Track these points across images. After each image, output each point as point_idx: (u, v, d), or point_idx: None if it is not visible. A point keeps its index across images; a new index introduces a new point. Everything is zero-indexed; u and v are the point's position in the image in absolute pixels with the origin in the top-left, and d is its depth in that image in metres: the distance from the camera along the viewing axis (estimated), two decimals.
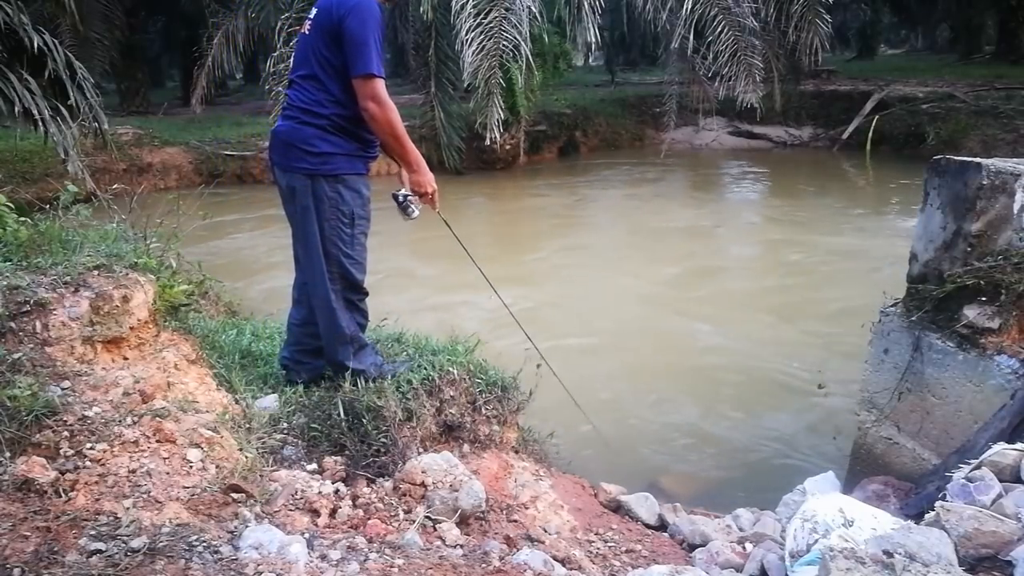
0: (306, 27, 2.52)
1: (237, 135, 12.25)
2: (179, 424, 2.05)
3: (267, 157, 2.66)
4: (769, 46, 11.27)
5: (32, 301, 2.15)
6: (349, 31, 2.34)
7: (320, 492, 2.15)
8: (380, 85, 2.38)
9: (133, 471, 1.84)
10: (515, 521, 2.37)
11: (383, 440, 2.43)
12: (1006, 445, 2.15)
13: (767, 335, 5.25)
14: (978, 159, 2.71)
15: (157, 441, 1.95)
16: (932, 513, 1.90)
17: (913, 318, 2.85)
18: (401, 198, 2.65)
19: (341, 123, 2.46)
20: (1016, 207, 2.60)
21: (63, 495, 1.71)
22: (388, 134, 2.46)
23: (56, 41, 5.10)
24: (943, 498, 2.00)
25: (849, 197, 10.41)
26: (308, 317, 2.75)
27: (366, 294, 2.71)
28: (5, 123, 6.35)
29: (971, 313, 2.62)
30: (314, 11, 2.50)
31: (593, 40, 10.10)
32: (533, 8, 9.59)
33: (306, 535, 1.83)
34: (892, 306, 3.01)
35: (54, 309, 2.17)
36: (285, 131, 2.51)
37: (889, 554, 1.53)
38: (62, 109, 5.26)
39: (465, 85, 10.40)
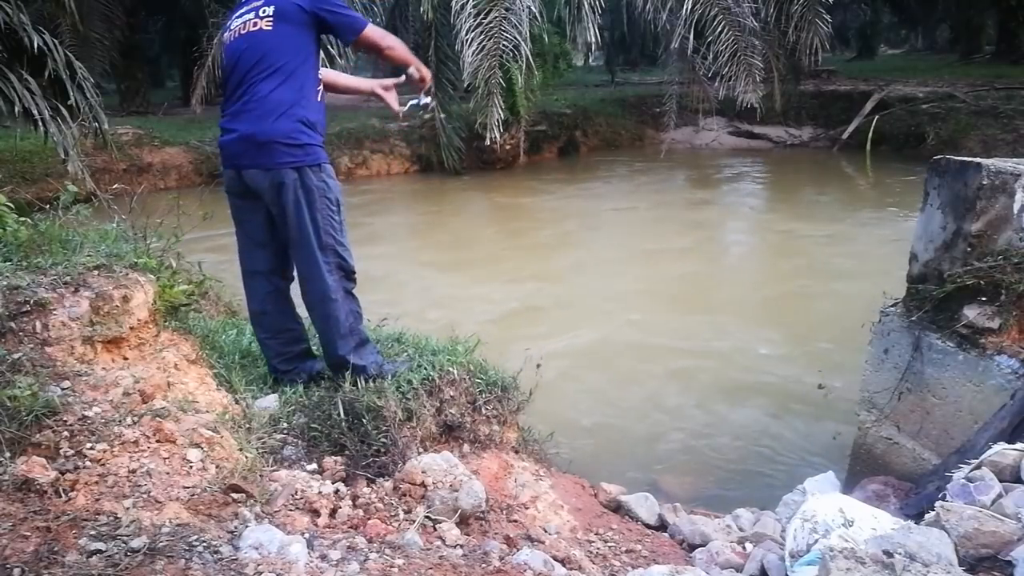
0: (259, 25, 2.50)
1: None
2: (179, 424, 2.05)
3: (231, 165, 2.62)
4: (769, 46, 11.26)
5: (32, 301, 2.14)
6: (324, 6, 2.50)
7: (320, 492, 2.14)
8: (375, 27, 2.65)
9: (133, 471, 1.84)
10: (515, 521, 2.37)
11: (383, 440, 2.43)
12: (1006, 445, 2.15)
13: (767, 334, 5.26)
14: (978, 159, 2.72)
15: (157, 441, 1.95)
16: (932, 513, 1.90)
17: (913, 318, 2.85)
18: (420, 101, 3.00)
19: (309, 115, 2.53)
20: (1016, 207, 2.60)
21: (63, 495, 1.71)
22: (405, 52, 2.73)
23: (56, 41, 5.11)
24: (943, 498, 2.00)
25: (849, 197, 10.41)
26: (279, 325, 2.76)
27: (356, 282, 2.73)
28: (5, 123, 6.35)
29: (971, 313, 2.62)
30: (268, 9, 2.50)
31: (593, 40, 10.11)
32: (533, 8, 9.59)
33: (306, 535, 1.83)
34: (892, 306, 3.01)
35: (54, 309, 2.17)
36: (262, 131, 2.48)
37: (889, 554, 1.53)
38: (62, 109, 5.26)
39: (465, 85, 10.40)
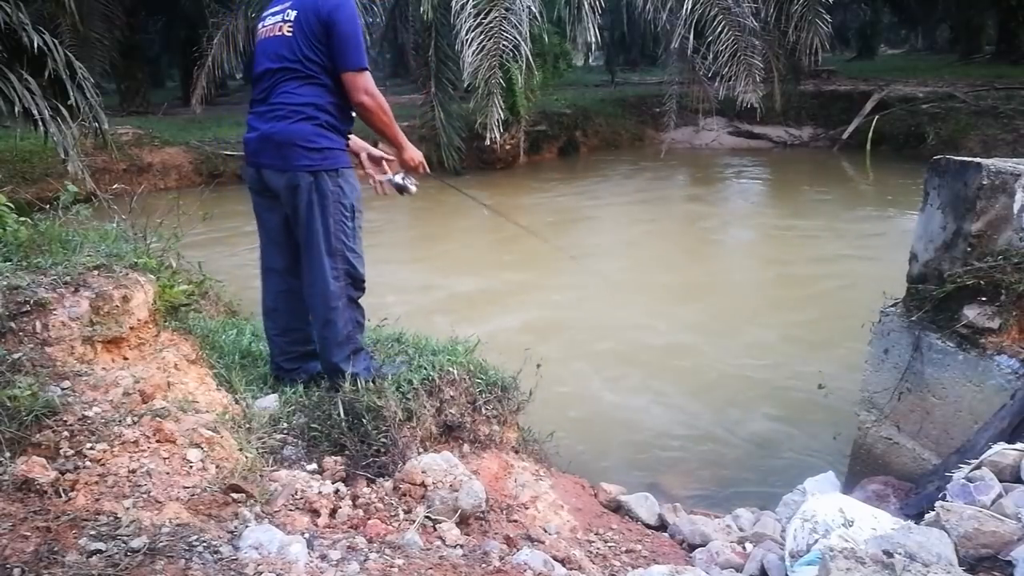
0: (282, 29, 2.51)
1: (237, 135, 12.17)
2: (179, 424, 2.05)
3: (252, 163, 2.63)
4: (769, 46, 11.27)
5: (32, 301, 2.14)
6: (339, 27, 2.42)
7: (320, 492, 2.14)
8: (370, 78, 2.49)
9: (133, 471, 1.84)
10: (515, 521, 2.37)
11: (383, 440, 2.43)
12: (1006, 445, 2.15)
13: (767, 335, 5.25)
14: (978, 159, 2.71)
15: (157, 441, 1.95)
16: (932, 513, 1.90)
17: (913, 318, 2.85)
18: (400, 179, 2.78)
19: (331, 119, 2.52)
20: (1016, 207, 2.60)
21: (63, 495, 1.71)
22: (382, 122, 2.54)
23: (56, 41, 5.10)
24: (943, 498, 2.00)
25: (849, 197, 10.41)
26: (288, 324, 2.77)
27: (364, 291, 2.72)
28: (5, 123, 6.35)
29: (971, 313, 2.62)
30: (291, 13, 2.50)
31: (593, 40, 10.11)
32: (533, 8, 9.59)
33: (306, 535, 1.83)
34: (892, 306, 3.01)
35: (54, 309, 2.17)
36: (280, 131, 2.49)
37: (889, 554, 1.53)
38: (62, 109, 5.26)
39: (465, 85, 10.40)
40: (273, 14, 2.57)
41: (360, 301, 2.73)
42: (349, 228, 2.58)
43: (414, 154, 2.72)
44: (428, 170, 2.81)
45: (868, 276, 6.21)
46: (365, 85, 2.46)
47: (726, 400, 4.30)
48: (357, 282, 2.65)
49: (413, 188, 2.81)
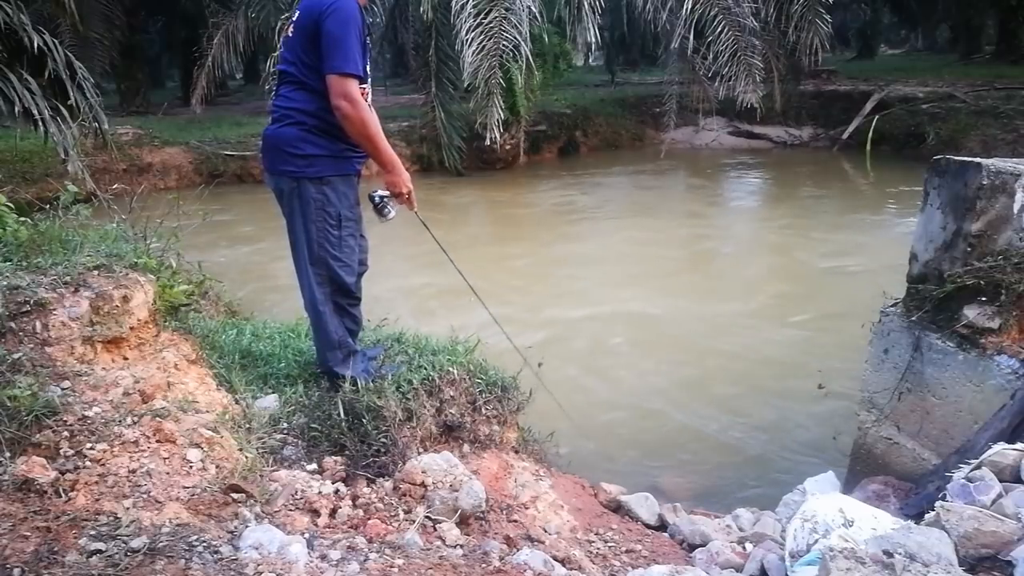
0: (289, 30, 2.51)
1: (237, 135, 12.25)
2: (179, 424, 2.05)
3: (260, 161, 2.65)
4: (769, 46, 11.28)
5: (32, 301, 2.15)
6: (326, 30, 2.33)
7: (320, 492, 2.15)
8: (353, 84, 2.35)
9: (133, 471, 1.84)
10: (515, 521, 2.37)
11: (383, 440, 2.43)
12: (1006, 445, 2.15)
13: (766, 335, 5.25)
14: (978, 159, 2.71)
15: (157, 441, 1.95)
16: (932, 513, 1.90)
17: (913, 318, 2.84)
18: (377, 199, 2.63)
19: (325, 124, 2.44)
20: (1016, 207, 2.60)
21: (63, 495, 1.71)
22: (360, 134, 2.41)
23: (56, 41, 5.10)
24: (943, 498, 2.00)
25: (849, 197, 10.41)
26: None
27: (358, 300, 2.70)
28: (5, 123, 6.35)
29: (971, 313, 2.62)
30: (296, 14, 2.49)
31: (593, 40, 10.12)
32: (533, 8, 9.60)
33: (306, 535, 1.83)
34: (892, 306, 3.01)
35: (54, 309, 2.17)
36: (271, 134, 2.51)
37: (889, 554, 1.53)
38: (62, 109, 5.26)
39: (465, 85, 10.40)
40: (292, 14, 2.57)
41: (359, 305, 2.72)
42: (334, 237, 2.52)
43: (399, 180, 2.55)
44: (415, 207, 2.66)
45: (868, 276, 6.21)
46: (344, 90, 2.32)
47: (726, 400, 4.30)
48: (343, 290, 2.61)
49: (391, 214, 2.63)
